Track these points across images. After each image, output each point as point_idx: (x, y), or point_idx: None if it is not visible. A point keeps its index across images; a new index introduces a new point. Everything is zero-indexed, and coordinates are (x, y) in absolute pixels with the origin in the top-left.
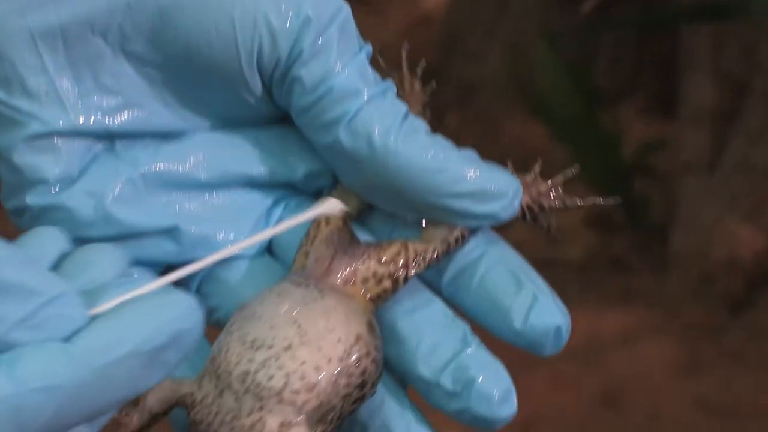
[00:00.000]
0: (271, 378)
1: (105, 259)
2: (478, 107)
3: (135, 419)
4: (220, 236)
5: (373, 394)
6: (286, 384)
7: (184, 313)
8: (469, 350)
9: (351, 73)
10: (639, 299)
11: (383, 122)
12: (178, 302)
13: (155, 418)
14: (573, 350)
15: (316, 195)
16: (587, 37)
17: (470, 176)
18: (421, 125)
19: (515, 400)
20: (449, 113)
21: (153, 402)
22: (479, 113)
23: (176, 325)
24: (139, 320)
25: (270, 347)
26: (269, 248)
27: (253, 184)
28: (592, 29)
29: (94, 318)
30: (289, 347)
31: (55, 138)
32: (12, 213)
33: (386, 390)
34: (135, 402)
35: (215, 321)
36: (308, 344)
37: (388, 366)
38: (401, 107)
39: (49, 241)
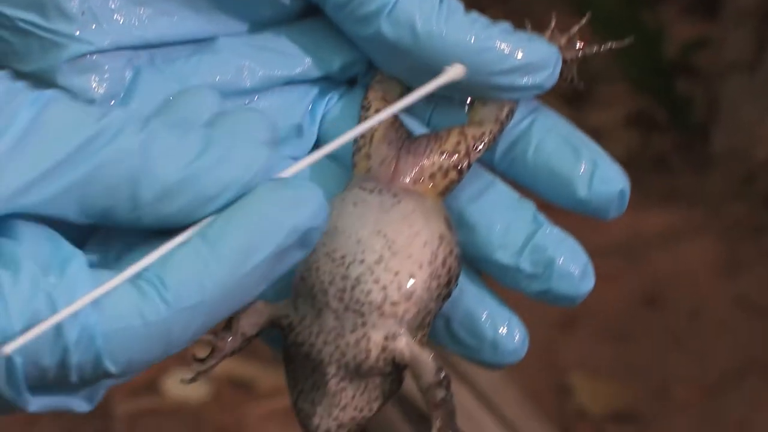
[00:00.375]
0: (369, 293)
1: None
2: (521, 2)
3: (229, 342)
4: None
5: (455, 287)
6: (385, 297)
7: (317, 210)
8: (543, 230)
9: None
10: (680, 198)
11: (423, 8)
12: (311, 199)
13: (248, 340)
14: (615, 249)
15: (350, 83)
16: None
17: (515, 51)
18: (458, 5)
19: (593, 274)
20: (491, 8)
21: (246, 325)
22: (521, 8)
23: (309, 224)
24: (276, 219)
25: (362, 262)
26: (319, 147)
27: (293, 82)
28: None
29: (228, 218)
30: (380, 259)
31: (96, 56)
32: None
33: (463, 278)
34: (228, 326)
35: None
36: (398, 253)
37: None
38: None
39: (200, 101)
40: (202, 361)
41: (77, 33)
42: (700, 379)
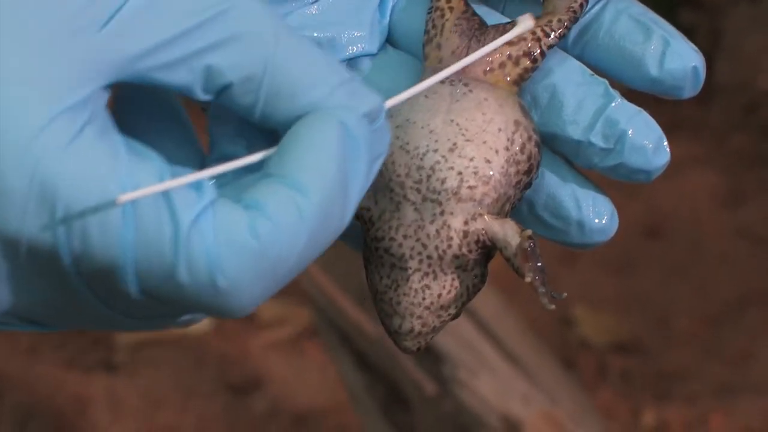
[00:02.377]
0: (444, 180)
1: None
2: None
3: None
4: (344, 36)
5: (537, 177)
6: (461, 182)
7: (387, 138)
8: (614, 104)
9: None
10: (684, 129)
11: None
12: (379, 106)
13: None
14: (616, 180)
15: None
16: None
17: None
18: None
19: (668, 148)
20: None
21: None
22: None
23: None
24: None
25: (435, 151)
26: (391, 40)
27: None
28: None
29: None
30: (454, 147)
31: None
32: None
33: (543, 160)
34: None
35: None
36: (472, 140)
37: None
38: None
39: None
40: None
41: None
42: (702, 310)
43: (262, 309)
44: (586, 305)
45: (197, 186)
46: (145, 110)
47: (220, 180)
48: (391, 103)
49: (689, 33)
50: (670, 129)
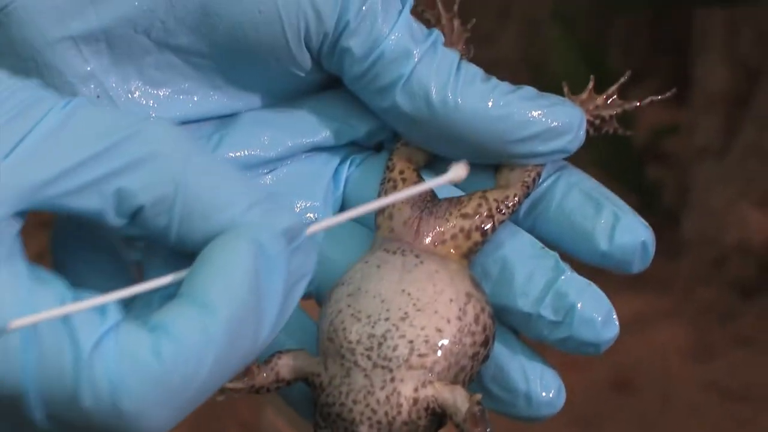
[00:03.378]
0: (395, 348)
1: None
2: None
3: (262, 375)
4: (299, 206)
5: (492, 348)
6: (411, 350)
7: (311, 259)
8: (564, 276)
9: (399, 34)
10: (651, 284)
11: (439, 78)
12: (310, 248)
13: (280, 382)
14: None
15: (377, 148)
16: (600, 19)
17: (535, 118)
18: (476, 72)
19: (617, 321)
20: None
21: (283, 366)
22: None
23: (306, 271)
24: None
25: (387, 320)
26: (343, 210)
27: (318, 148)
28: (605, 11)
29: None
30: (405, 316)
31: None
32: None
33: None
34: (267, 360)
35: (307, 294)
36: (423, 309)
37: None
38: (453, 57)
39: None
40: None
41: None
42: None
43: None
44: None
45: (101, 310)
46: (79, 243)
47: (137, 305)
48: (312, 230)
49: (657, 188)
50: (638, 283)
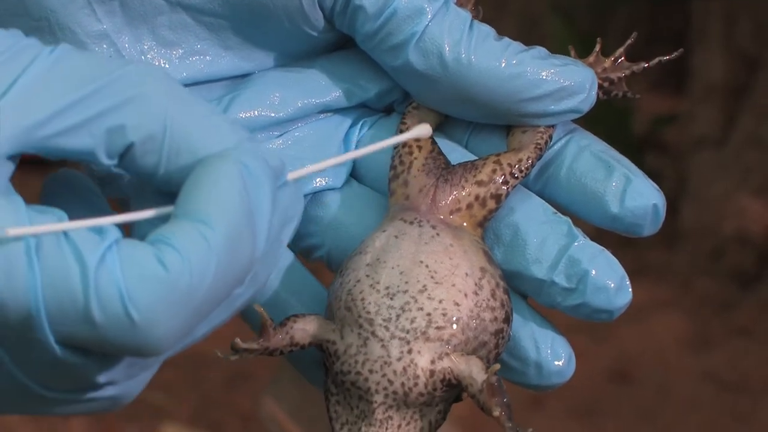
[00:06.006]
0: (413, 320)
1: None
2: None
3: (278, 337)
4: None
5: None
6: (429, 323)
7: (298, 204)
8: (577, 243)
9: None
10: (649, 274)
11: (452, 36)
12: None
13: (294, 346)
14: (583, 324)
15: (388, 111)
16: (600, 11)
17: (547, 77)
18: (488, 31)
19: (630, 288)
20: None
21: (298, 330)
22: None
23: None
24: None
25: (405, 292)
26: (355, 175)
27: (328, 110)
28: (604, 3)
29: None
30: (424, 289)
31: None
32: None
33: None
34: (282, 323)
35: (317, 259)
36: (441, 282)
37: None
38: (465, 16)
39: None
40: (244, 347)
41: None
42: None
43: None
44: None
45: (99, 231)
46: (64, 201)
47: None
48: (294, 175)
49: (655, 178)
50: (635, 273)
